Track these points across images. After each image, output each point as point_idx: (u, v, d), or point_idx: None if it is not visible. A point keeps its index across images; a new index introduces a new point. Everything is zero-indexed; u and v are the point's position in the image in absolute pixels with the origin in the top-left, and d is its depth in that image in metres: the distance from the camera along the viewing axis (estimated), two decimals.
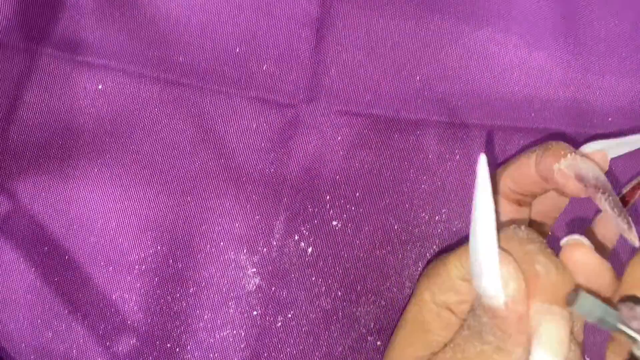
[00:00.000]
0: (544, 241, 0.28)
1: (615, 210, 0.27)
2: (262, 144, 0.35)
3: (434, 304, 0.29)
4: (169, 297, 0.34)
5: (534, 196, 0.31)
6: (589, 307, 0.25)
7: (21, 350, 0.34)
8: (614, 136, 0.36)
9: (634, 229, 0.27)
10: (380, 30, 0.36)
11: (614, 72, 0.36)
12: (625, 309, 0.25)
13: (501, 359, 0.26)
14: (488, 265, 0.26)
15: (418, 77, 0.36)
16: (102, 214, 0.35)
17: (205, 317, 0.34)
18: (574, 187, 0.28)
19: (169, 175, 0.35)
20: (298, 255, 0.35)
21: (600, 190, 0.28)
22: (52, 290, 0.34)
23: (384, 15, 0.36)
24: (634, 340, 0.24)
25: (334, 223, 0.34)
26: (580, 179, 0.28)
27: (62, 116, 0.35)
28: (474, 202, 0.26)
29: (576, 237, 0.27)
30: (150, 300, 0.34)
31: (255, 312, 0.34)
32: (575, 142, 0.36)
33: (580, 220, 0.36)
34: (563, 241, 0.28)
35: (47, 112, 0.35)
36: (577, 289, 0.26)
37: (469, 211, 0.35)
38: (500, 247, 0.26)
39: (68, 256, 0.35)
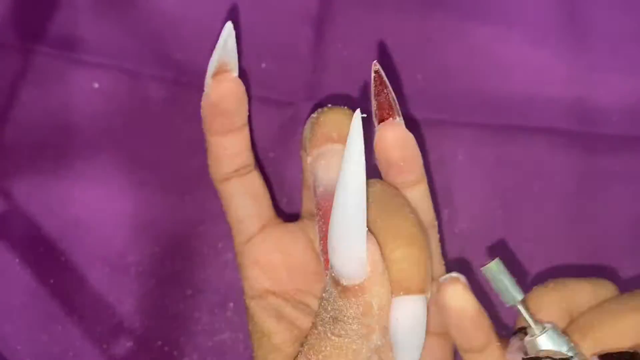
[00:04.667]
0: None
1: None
2: (261, 143, 0.35)
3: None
4: (166, 300, 0.34)
5: None
6: (497, 275, 0.25)
7: (17, 352, 0.34)
8: (619, 138, 0.35)
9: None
10: (381, 28, 0.36)
11: (619, 71, 0.36)
12: (515, 340, 0.26)
13: (360, 346, 0.23)
14: (356, 239, 0.22)
15: (420, 75, 0.36)
16: (98, 215, 0.35)
17: (203, 319, 0.34)
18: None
19: (166, 175, 0.35)
20: None
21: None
22: (48, 292, 0.34)
23: (385, 12, 0.36)
24: (528, 324, 0.25)
25: None
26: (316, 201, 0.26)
27: (57, 115, 0.35)
28: (343, 163, 0.22)
29: (454, 274, 0.25)
30: (147, 303, 0.34)
31: None
32: (577, 142, 0.35)
33: None
34: (441, 278, 0.25)
35: (43, 111, 0.35)
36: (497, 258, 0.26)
37: (472, 213, 0.35)
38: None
39: (64, 257, 0.34)
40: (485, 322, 0.25)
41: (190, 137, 0.35)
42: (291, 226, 0.30)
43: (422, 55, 0.36)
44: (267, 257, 0.29)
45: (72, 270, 0.34)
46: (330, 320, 0.23)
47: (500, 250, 0.35)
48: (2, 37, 0.35)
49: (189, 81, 0.35)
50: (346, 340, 0.23)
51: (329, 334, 0.23)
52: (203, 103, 0.28)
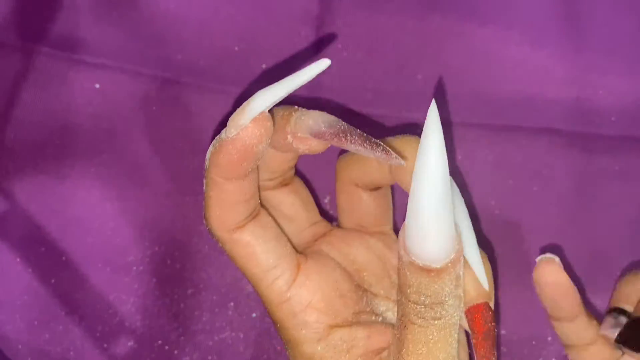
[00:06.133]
0: None
1: (367, 144, 0.24)
2: None
3: None
4: (166, 299, 0.34)
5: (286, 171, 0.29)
6: None
7: (18, 352, 0.34)
8: (618, 138, 0.35)
9: (392, 152, 0.23)
10: (380, 29, 0.36)
11: (617, 71, 0.36)
12: (610, 318, 0.29)
13: (456, 318, 0.24)
14: (450, 220, 0.22)
15: (419, 76, 0.36)
16: (99, 214, 0.35)
17: (204, 319, 0.34)
18: (317, 146, 0.25)
19: (167, 175, 0.35)
20: None
21: (341, 134, 0.24)
22: (49, 291, 0.34)
23: (384, 13, 0.36)
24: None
25: (334, 224, 0.33)
26: (317, 135, 0.25)
27: (59, 115, 0.35)
28: (421, 150, 0.21)
29: (549, 255, 0.28)
30: (148, 302, 0.34)
31: (254, 314, 0.34)
32: (576, 142, 0.35)
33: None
34: (538, 259, 0.28)
35: (44, 111, 0.35)
36: None
37: (471, 213, 0.35)
38: None
39: (65, 257, 0.34)
40: (575, 295, 0.28)
41: (190, 137, 0.35)
42: (315, 255, 0.28)
43: (422, 56, 0.36)
44: (319, 294, 0.27)
45: (73, 269, 0.34)
46: (428, 309, 0.23)
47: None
48: (4, 37, 0.35)
49: (190, 81, 0.35)
50: (447, 318, 0.23)
51: (430, 321, 0.23)
52: (228, 147, 0.24)
